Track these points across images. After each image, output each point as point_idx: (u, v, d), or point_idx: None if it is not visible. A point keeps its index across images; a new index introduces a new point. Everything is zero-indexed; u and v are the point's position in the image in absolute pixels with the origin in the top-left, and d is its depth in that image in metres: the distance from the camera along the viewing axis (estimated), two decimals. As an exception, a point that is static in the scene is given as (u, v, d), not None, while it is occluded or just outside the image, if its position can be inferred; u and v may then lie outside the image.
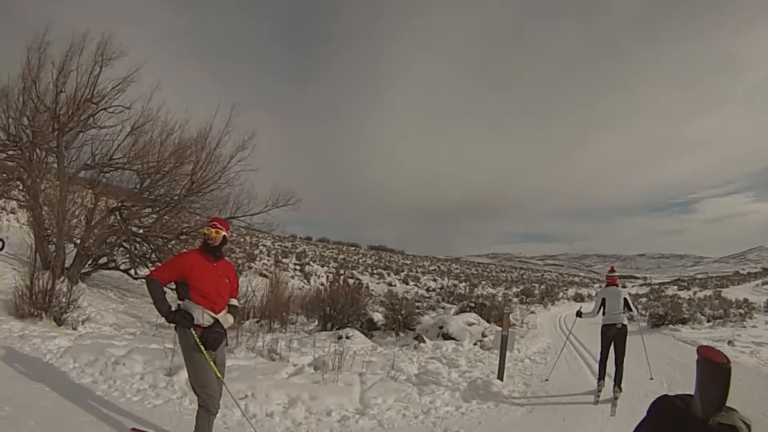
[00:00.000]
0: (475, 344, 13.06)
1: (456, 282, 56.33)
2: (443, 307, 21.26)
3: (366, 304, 15.47)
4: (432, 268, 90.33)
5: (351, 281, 22.00)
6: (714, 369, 1.23)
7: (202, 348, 4.41)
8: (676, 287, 62.58)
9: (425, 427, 6.55)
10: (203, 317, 4.47)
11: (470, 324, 14.41)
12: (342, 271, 38.57)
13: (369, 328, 13.73)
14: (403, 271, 61.42)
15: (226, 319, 4.74)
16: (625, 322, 8.59)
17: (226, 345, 5.16)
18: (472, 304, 17.65)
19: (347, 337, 11.51)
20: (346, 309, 13.47)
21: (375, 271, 53.08)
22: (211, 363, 4.48)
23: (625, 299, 8.70)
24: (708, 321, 18.00)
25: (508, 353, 9.46)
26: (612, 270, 9.61)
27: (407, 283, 46.51)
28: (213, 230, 4.62)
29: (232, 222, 15.35)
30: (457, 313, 16.77)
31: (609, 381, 8.32)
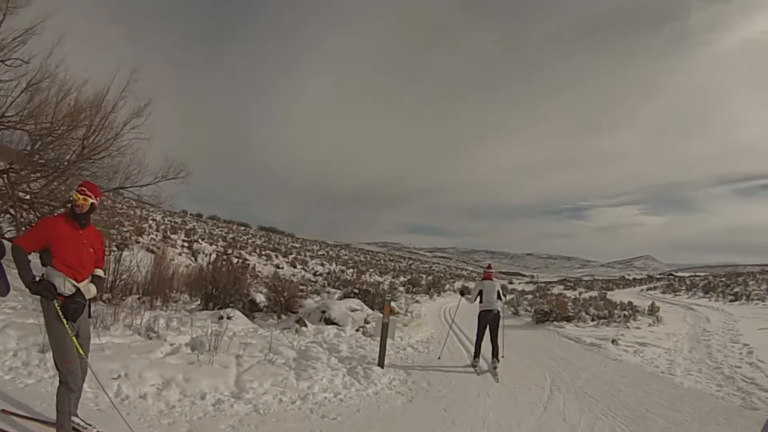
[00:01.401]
0: (357, 330, 13.38)
1: (344, 268, 57.13)
2: (328, 292, 21.49)
3: (249, 284, 15.56)
4: (321, 252, 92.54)
5: (236, 261, 21.62)
6: None
7: (63, 319, 4.34)
8: (562, 287, 66.18)
9: (302, 413, 6.63)
10: (65, 285, 4.43)
11: (353, 310, 14.69)
12: (230, 250, 39.03)
13: (251, 310, 13.80)
14: (291, 254, 61.88)
15: (89, 288, 4.67)
16: (499, 308, 10.64)
17: (90, 317, 5.00)
18: (356, 290, 17.87)
19: (228, 318, 11.68)
20: (228, 289, 13.52)
21: (263, 253, 52.92)
22: (72, 336, 4.41)
23: (498, 291, 10.81)
24: (593, 320, 19.14)
25: (389, 341, 9.82)
26: (489, 267, 11.74)
27: (295, 266, 46.50)
28: (81, 197, 4.52)
29: (121, 193, 15.12)
30: (340, 299, 17.07)
31: (484, 364, 10.42)
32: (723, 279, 47.30)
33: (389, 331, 9.63)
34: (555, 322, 18.77)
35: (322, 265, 57.09)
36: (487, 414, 7.22)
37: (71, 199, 4.62)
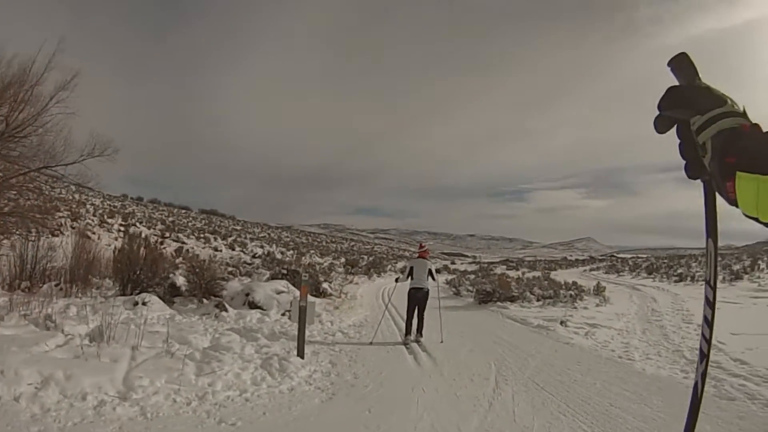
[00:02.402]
0: (282, 314, 12.46)
1: (284, 250, 57.76)
2: (260, 273, 20.02)
3: (169, 267, 14.87)
4: (262, 235, 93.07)
5: (153, 241, 20.40)
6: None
7: None
8: (504, 267, 66.69)
9: (196, 416, 5.55)
10: None
11: (279, 292, 13.63)
12: (167, 234, 39.90)
13: (173, 294, 12.94)
14: (231, 236, 62.04)
15: None
16: (428, 287, 10.98)
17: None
18: (284, 271, 16.49)
19: (143, 303, 11.11)
20: (146, 272, 12.86)
21: (202, 236, 52.64)
22: None
23: (430, 269, 11.11)
24: (538, 300, 18.40)
25: (311, 327, 9.25)
26: (421, 246, 12.20)
27: (233, 249, 46.59)
28: None
29: (44, 173, 13.87)
30: (268, 280, 15.90)
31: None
32: (665, 261, 48.34)
33: (309, 316, 8.46)
34: (498, 303, 17.90)
35: (262, 247, 56.92)
36: (420, 415, 5.95)
37: None
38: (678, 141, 1.00)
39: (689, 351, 9.64)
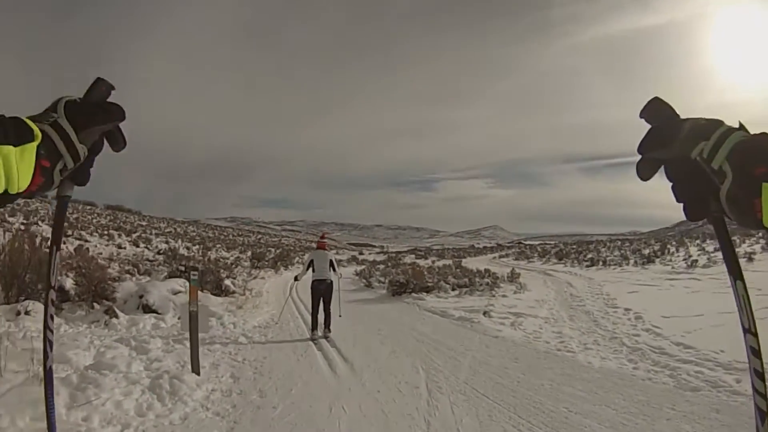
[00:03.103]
0: (179, 318, 10.67)
1: (189, 245, 54.51)
2: (159, 271, 18.10)
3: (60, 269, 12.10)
4: (168, 230, 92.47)
5: (38, 240, 17.93)
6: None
7: None
8: (413, 256, 66.91)
9: None
10: None
11: (176, 292, 12.01)
12: (69, 232, 37.15)
13: (61, 300, 10.91)
14: (136, 232, 59.50)
15: None
16: (331, 278, 10.66)
17: None
18: (182, 267, 14.70)
19: (26, 313, 9.46)
20: (32, 276, 10.84)
21: (105, 232, 49.53)
22: None
23: (331, 260, 10.82)
24: (453, 289, 17.62)
25: (208, 332, 7.97)
26: (323, 236, 11.99)
27: (137, 245, 43.49)
28: None
29: None
30: (165, 279, 14.07)
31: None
32: (574, 246, 49.78)
33: (202, 322, 6.97)
34: (413, 294, 16.90)
35: (167, 242, 53.76)
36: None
37: None
38: (670, 183, 0.91)
39: (628, 338, 9.07)
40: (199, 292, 12.50)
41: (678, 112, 0.92)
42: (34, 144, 0.84)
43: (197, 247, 51.86)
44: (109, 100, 1.02)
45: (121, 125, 1.03)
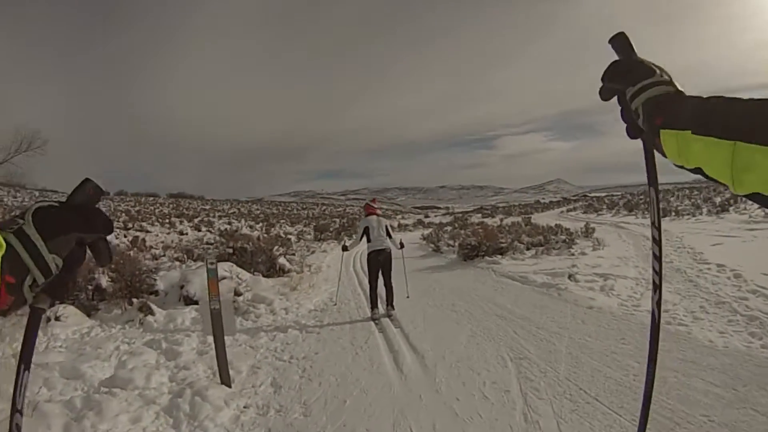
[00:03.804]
0: (200, 316, 9.60)
1: (252, 223, 55.83)
2: (211, 255, 16.83)
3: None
4: (231, 210, 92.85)
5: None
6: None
7: None
8: (480, 215, 65.25)
9: None
10: None
11: (220, 279, 10.50)
12: (130, 224, 37.78)
13: (100, 299, 9.85)
14: (198, 216, 60.39)
15: None
16: (391, 246, 9.47)
17: None
18: (230, 250, 13.42)
19: (56, 319, 8.29)
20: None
21: (167, 221, 49.92)
22: None
23: (386, 227, 9.62)
24: (528, 249, 16.15)
25: (255, 320, 7.34)
26: (373, 201, 10.77)
27: (199, 230, 43.52)
28: None
29: None
30: (213, 263, 12.66)
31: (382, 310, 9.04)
32: (641, 197, 47.13)
33: (227, 323, 5.66)
34: (486, 257, 15.44)
35: (230, 223, 54.11)
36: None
37: None
38: (620, 107, 1.11)
39: (736, 303, 7.48)
40: (249, 276, 11.43)
41: (635, 51, 1.10)
42: None
43: (261, 224, 51.90)
44: (98, 206, 0.91)
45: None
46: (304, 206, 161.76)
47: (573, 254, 14.55)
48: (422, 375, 5.56)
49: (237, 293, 10.07)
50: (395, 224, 54.34)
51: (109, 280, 9.97)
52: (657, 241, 1.21)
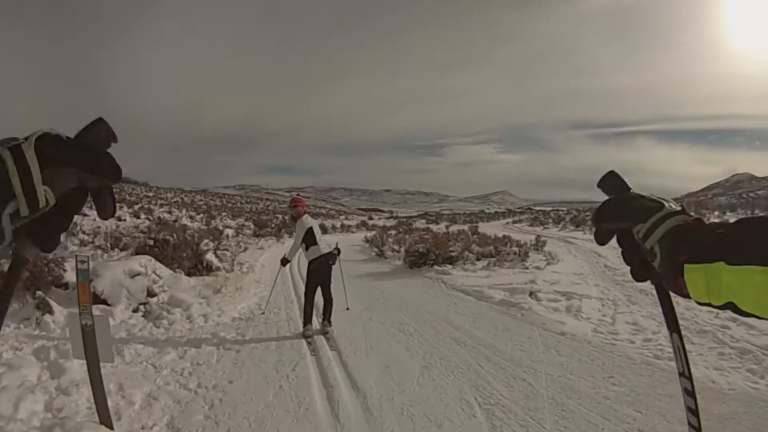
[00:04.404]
0: (135, 311, 8.18)
1: (193, 213, 52.78)
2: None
3: None
4: (175, 200, 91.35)
5: None
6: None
7: None
8: (424, 221, 65.02)
9: None
10: None
11: (135, 275, 8.86)
12: None
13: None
14: (138, 203, 56.56)
15: None
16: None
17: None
18: (151, 241, 11.50)
19: None
20: None
21: None
22: None
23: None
24: (478, 259, 15.03)
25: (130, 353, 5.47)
26: (297, 200, 8.45)
27: (138, 217, 40.80)
28: None
29: None
30: (131, 255, 11.04)
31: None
32: (587, 213, 47.64)
33: (102, 346, 4.09)
34: (435, 266, 14.13)
35: (170, 212, 51.53)
36: None
37: None
38: (621, 249, 0.99)
39: (719, 332, 6.72)
40: (169, 273, 9.79)
41: (630, 186, 1.00)
42: None
43: (201, 215, 49.94)
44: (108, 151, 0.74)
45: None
46: (249, 200, 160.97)
47: (527, 268, 13.58)
48: (365, 425, 4.19)
49: (150, 293, 8.48)
50: (338, 225, 53.13)
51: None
52: (690, 393, 0.98)
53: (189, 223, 33.38)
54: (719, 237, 0.74)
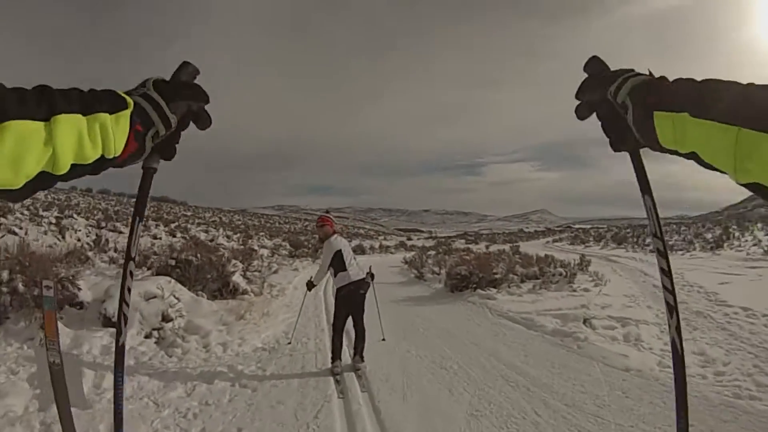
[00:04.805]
0: (147, 336, 7.46)
1: (230, 233, 52.98)
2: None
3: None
4: (213, 219, 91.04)
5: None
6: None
7: None
8: (463, 241, 64.50)
9: None
10: None
11: (150, 297, 8.13)
12: (104, 224, 34.89)
13: (16, 305, 7.48)
14: (175, 222, 56.60)
15: None
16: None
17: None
18: (173, 261, 10.74)
19: None
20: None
21: (144, 224, 48.28)
22: None
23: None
24: (522, 282, 14.11)
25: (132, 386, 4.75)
26: (325, 218, 7.52)
27: (174, 236, 40.97)
28: None
29: None
30: (151, 275, 10.26)
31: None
32: (628, 230, 46.84)
33: (72, 390, 3.36)
34: (479, 290, 13.15)
35: (206, 232, 51.56)
36: None
37: None
38: (600, 123, 1.09)
39: None
40: (190, 296, 9.10)
41: (609, 67, 1.07)
42: (128, 111, 0.90)
43: (238, 235, 49.94)
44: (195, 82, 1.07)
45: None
46: (287, 220, 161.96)
47: (575, 290, 12.63)
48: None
49: (166, 318, 7.77)
50: (376, 245, 52.38)
51: (23, 284, 7.55)
52: (662, 253, 1.11)
53: (225, 243, 33.09)
54: (685, 90, 0.81)
